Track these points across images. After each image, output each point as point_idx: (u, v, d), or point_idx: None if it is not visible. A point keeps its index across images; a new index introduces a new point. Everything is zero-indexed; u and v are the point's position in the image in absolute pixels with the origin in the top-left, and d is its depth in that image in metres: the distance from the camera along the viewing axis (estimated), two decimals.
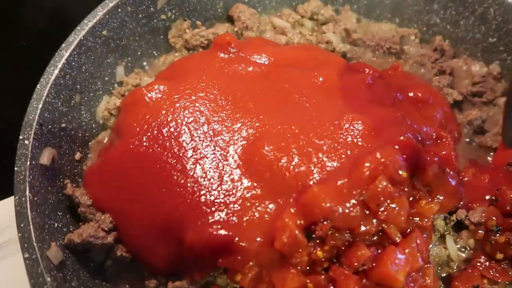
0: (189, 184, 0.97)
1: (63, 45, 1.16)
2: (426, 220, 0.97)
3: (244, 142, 1.01)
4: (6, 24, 1.78)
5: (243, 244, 0.88)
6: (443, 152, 1.10)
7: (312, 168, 0.95)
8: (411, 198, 0.98)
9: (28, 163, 0.99)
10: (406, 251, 0.91)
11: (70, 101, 1.17)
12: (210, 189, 0.96)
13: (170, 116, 1.05)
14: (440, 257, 1.06)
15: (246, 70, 1.16)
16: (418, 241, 0.93)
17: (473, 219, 1.07)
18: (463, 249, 1.09)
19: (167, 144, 1.02)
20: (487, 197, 1.11)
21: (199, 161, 0.99)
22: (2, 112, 1.54)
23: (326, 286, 0.90)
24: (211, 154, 1.00)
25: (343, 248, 0.91)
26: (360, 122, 1.00)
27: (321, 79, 1.12)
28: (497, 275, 1.03)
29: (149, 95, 1.09)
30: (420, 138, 1.07)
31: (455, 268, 1.07)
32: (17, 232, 0.93)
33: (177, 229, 0.95)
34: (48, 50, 1.17)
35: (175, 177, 0.98)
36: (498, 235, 1.03)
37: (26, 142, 1.02)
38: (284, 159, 0.95)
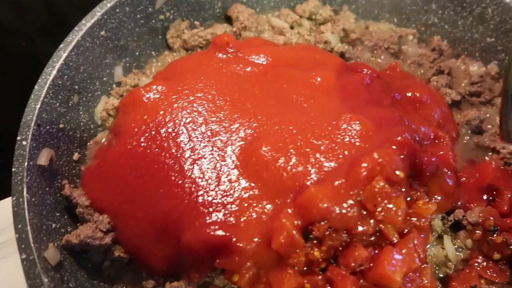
0: (186, 185, 0.97)
1: (61, 45, 1.16)
2: (423, 220, 0.97)
3: (242, 142, 1.01)
4: (5, 24, 1.79)
5: (241, 245, 0.88)
6: (441, 152, 1.10)
7: (310, 168, 0.95)
8: (408, 198, 0.98)
9: (26, 163, 0.99)
10: (403, 251, 0.91)
11: (68, 102, 1.17)
12: (207, 189, 0.96)
13: (168, 116, 1.05)
14: (438, 257, 1.06)
15: (244, 70, 1.16)
16: (416, 242, 0.93)
17: (470, 219, 1.07)
18: (460, 249, 1.09)
19: (165, 144, 1.02)
20: (485, 197, 1.12)
21: (197, 161, 0.99)
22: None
23: (323, 286, 0.90)
24: (209, 155, 1.00)
25: (340, 248, 0.91)
26: (358, 122, 1.00)
27: (319, 79, 1.12)
28: (495, 275, 1.04)
29: (147, 95, 1.09)
30: (418, 138, 1.07)
31: (452, 268, 1.07)
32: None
33: (174, 229, 0.95)
34: (46, 50, 1.17)
35: (173, 178, 0.98)
36: (495, 235, 1.03)
37: (24, 143, 1.02)
38: (282, 159, 0.95)
